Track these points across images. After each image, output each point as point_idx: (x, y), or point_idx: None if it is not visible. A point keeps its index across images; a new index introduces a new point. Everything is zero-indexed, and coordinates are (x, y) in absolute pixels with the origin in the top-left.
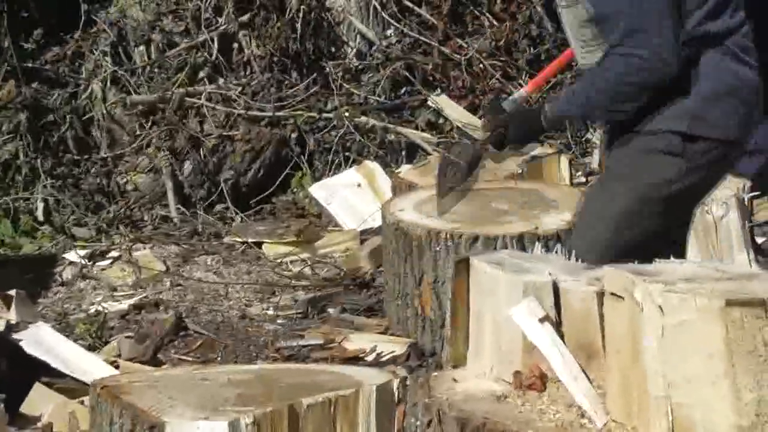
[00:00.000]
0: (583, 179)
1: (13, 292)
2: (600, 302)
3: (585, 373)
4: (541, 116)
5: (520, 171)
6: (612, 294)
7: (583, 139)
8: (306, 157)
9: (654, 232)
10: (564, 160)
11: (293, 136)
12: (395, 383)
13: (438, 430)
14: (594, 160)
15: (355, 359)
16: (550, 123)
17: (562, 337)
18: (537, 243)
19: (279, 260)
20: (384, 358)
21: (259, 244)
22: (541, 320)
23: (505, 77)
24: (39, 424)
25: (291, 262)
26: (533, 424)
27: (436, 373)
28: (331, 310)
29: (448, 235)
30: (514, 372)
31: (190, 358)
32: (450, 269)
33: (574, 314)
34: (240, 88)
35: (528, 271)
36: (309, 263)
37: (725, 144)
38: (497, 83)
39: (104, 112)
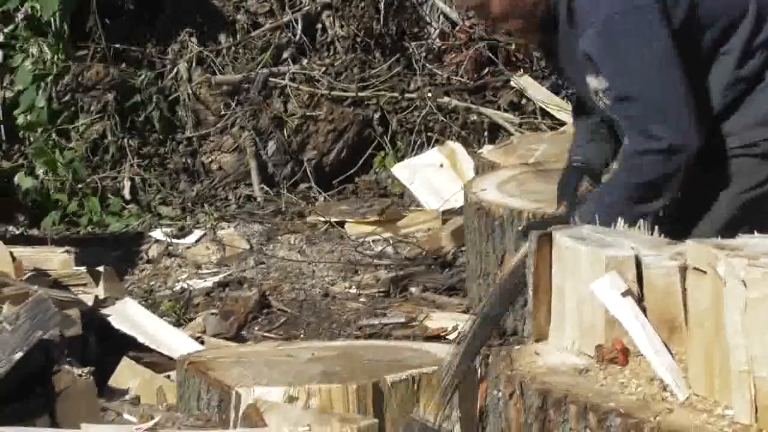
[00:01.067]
0: None
1: (101, 268)
2: (683, 277)
3: (667, 347)
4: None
5: None
6: (695, 268)
7: None
8: (389, 137)
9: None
10: None
11: (376, 116)
12: (478, 360)
13: (519, 402)
14: None
15: (437, 338)
16: None
17: (644, 311)
18: (619, 219)
19: (361, 239)
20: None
21: (341, 224)
22: (624, 294)
23: None
24: (126, 397)
25: (373, 241)
26: (614, 397)
27: (518, 347)
28: (412, 289)
29: (530, 215)
30: (595, 346)
31: (274, 335)
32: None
33: (657, 289)
34: (323, 69)
35: (610, 246)
36: (391, 242)
37: None
38: None
39: (189, 92)
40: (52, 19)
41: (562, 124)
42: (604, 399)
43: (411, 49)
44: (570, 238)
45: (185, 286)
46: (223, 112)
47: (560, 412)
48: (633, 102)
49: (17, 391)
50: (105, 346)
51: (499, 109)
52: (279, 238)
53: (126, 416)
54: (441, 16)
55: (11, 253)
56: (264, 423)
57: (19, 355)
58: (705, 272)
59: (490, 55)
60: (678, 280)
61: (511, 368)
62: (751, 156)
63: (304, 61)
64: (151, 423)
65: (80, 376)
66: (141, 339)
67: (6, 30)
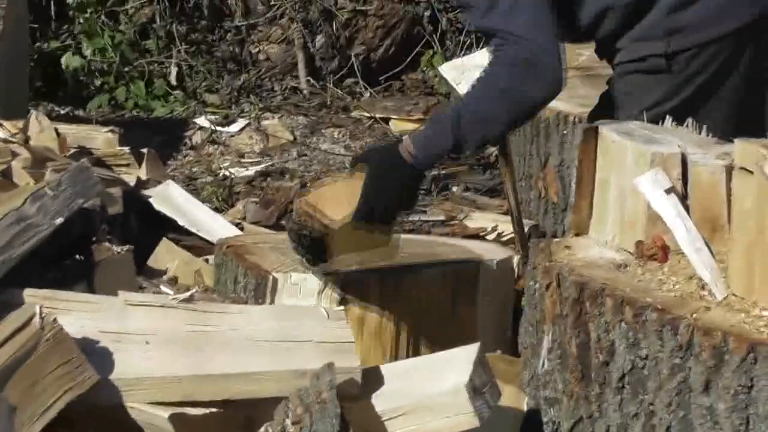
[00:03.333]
0: None
1: (144, 150)
2: (728, 176)
3: (708, 246)
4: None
5: None
6: (741, 168)
7: None
8: (438, 35)
9: None
10: None
11: (426, 14)
12: (516, 259)
13: (556, 293)
14: None
15: (476, 237)
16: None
17: (687, 209)
18: (667, 116)
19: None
20: (504, 238)
21: (386, 120)
22: (667, 191)
23: None
24: (164, 277)
25: None
26: (652, 293)
27: (557, 239)
28: (454, 189)
29: (576, 119)
30: (636, 242)
31: None
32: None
33: (701, 187)
34: None
35: (657, 142)
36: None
37: (730, 37)
38: None
39: None
40: None
41: None
42: (641, 294)
43: None
44: (616, 133)
45: (227, 173)
46: (273, 2)
47: (596, 305)
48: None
49: (56, 257)
50: (145, 227)
51: None
52: (323, 131)
53: (164, 289)
54: None
55: (56, 130)
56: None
57: (59, 220)
58: (751, 172)
59: None
60: (723, 179)
61: (549, 259)
62: (642, 72)
63: None
64: (187, 294)
65: (118, 252)
66: (181, 222)
67: None
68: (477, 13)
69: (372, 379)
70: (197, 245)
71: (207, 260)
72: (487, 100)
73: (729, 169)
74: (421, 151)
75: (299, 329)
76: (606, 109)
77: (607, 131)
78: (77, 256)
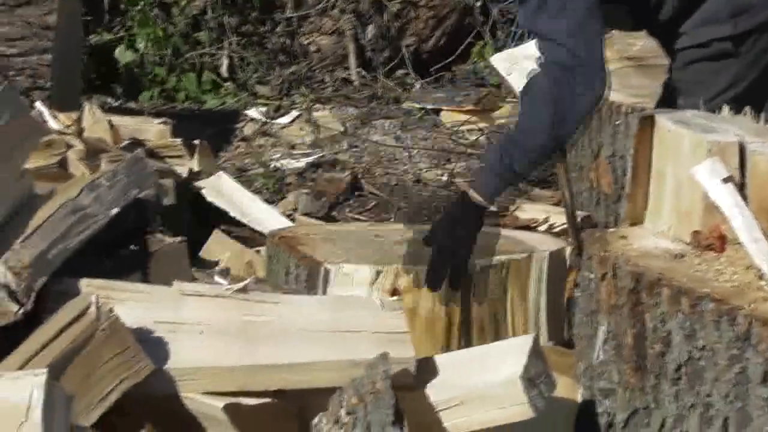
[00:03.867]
0: None
1: (196, 142)
2: None
3: (766, 236)
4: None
5: None
6: None
7: None
8: (489, 26)
9: None
10: None
11: (477, 4)
12: (568, 251)
13: (612, 283)
14: None
15: (528, 228)
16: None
17: (745, 199)
18: (725, 105)
19: (456, 128)
20: (556, 229)
21: (437, 111)
22: (725, 180)
23: None
24: (216, 269)
25: (468, 130)
26: (709, 284)
27: (613, 229)
28: None
29: (629, 109)
30: (692, 232)
31: (364, 218)
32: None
33: (760, 176)
34: None
35: (714, 131)
36: (486, 132)
37: None
38: None
39: None
40: None
41: None
42: (698, 284)
43: None
44: (673, 122)
45: (278, 165)
46: None
47: (653, 295)
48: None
49: (112, 247)
50: (197, 219)
51: None
52: (374, 122)
53: (217, 279)
54: None
55: (110, 122)
56: None
57: (115, 210)
58: None
59: None
60: None
61: (605, 249)
62: (707, 59)
63: None
64: (242, 284)
65: (172, 243)
66: (233, 213)
67: None
68: (527, 11)
69: (426, 369)
70: (249, 236)
71: (258, 251)
72: (528, 113)
73: None
74: (486, 189)
75: (353, 319)
76: (671, 99)
77: (664, 120)
78: (132, 247)
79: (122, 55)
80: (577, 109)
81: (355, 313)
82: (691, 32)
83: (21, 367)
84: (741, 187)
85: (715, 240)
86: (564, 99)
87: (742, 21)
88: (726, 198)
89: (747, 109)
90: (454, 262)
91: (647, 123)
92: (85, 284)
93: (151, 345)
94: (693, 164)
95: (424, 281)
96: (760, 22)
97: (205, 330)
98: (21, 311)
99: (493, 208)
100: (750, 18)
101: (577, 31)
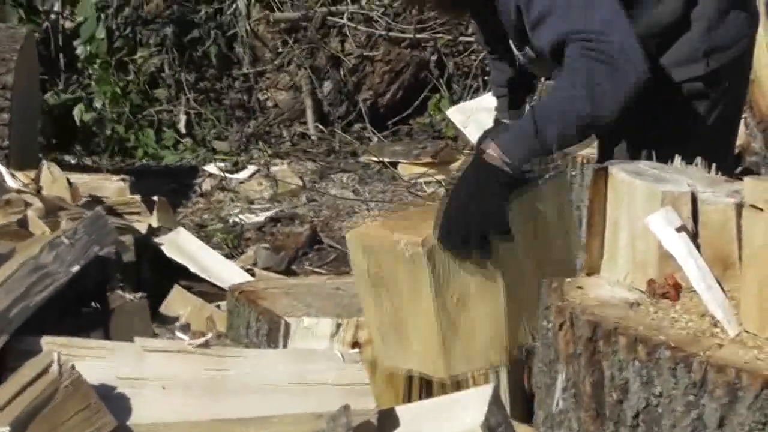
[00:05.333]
0: None
1: (155, 198)
2: (738, 214)
3: (719, 284)
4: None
5: None
6: (751, 205)
7: None
8: (445, 80)
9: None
10: None
11: (433, 58)
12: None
13: (569, 333)
14: None
15: None
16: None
17: (698, 247)
18: (677, 156)
19: (414, 181)
20: None
21: (394, 164)
22: (678, 230)
23: None
24: (177, 324)
25: (426, 183)
26: (665, 331)
27: (569, 279)
28: None
29: (584, 160)
30: (648, 280)
31: (324, 271)
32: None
33: (712, 225)
34: (382, 9)
35: (666, 181)
36: (444, 185)
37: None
38: None
39: (248, 28)
40: None
41: None
42: (654, 332)
43: None
44: (626, 172)
45: (237, 220)
46: (280, 50)
47: (610, 344)
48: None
49: (73, 305)
50: (157, 275)
51: None
52: (332, 176)
53: (179, 334)
54: None
55: (68, 179)
56: None
57: (76, 268)
58: (761, 209)
59: None
60: (734, 217)
61: (562, 299)
62: (678, 102)
63: (363, 1)
64: (203, 339)
65: (132, 300)
66: (192, 268)
67: None
68: (557, 18)
69: (388, 420)
70: (209, 291)
71: (219, 306)
72: (568, 97)
73: (739, 207)
74: (512, 153)
75: (315, 372)
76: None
77: (617, 171)
78: (93, 304)
79: (80, 113)
80: (618, 95)
81: (316, 366)
82: (662, 72)
83: None
84: (694, 236)
85: (670, 288)
86: (604, 89)
87: (714, 59)
88: (680, 247)
89: (699, 159)
90: (477, 228)
91: (601, 174)
92: (47, 342)
93: (114, 401)
94: (647, 214)
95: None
96: (729, 59)
97: (168, 385)
98: None
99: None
100: (721, 55)
101: (610, 21)
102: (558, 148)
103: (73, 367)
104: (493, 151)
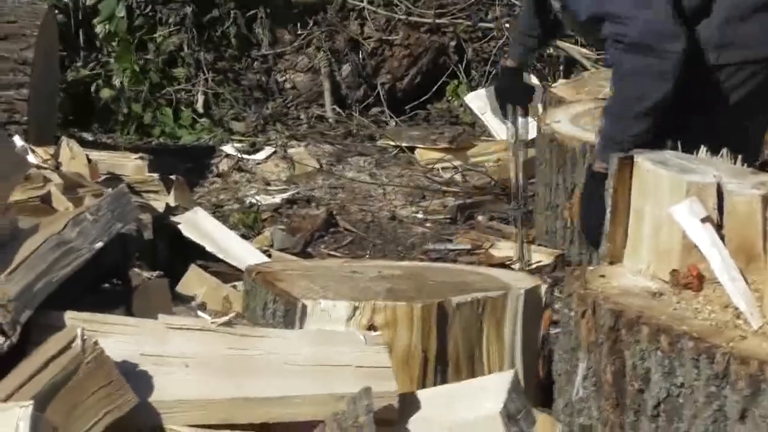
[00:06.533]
0: None
1: (172, 177)
2: (764, 206)
3: (743, 276)
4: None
5: None
6: None
7: None
8: (463, 65)
9: None
10: None
11: (452, 44)
12: (543, 288)
13: (591, 321)
14: None
15: (502, 266)
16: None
17: (722, 238)
18: (702, 146)
19: (430, 166)
20: (531, 267)
21: (411, 149)
22: (703, 220)
23: None
24: (193, 303)
25: (442, 168)
26: (687, 321)
27: (592, 267)
28: (479, 218)
29: None
30: (671, 270)
31: (339, 254)
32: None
33: (737, 217)
34: None
35: (693, 171)
36: (460, 170)
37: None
38: None
39: (267, 10)
40: None
41: None
42: (677, 322)
43: None
44: (651, 162)
45: (254, 201)
46: (299, 32)
47: (632, 333)
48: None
49: (95, 281)
50: (174, 254)
51: (576, 43)
52: (349, 159)
53: (200, 313)
54: None
55: (87, 156)
56: None
57: (99, 244)
58: None
59: None
60: (759, 208)
61: (585, 287)
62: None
63: None
64: (226, 318)
65: (149, 279)
66: (209, 248)
67: None
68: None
69: (408, 404)
70: (225, 271)
71: (235, 286)
72: (619, 99)
73: (765, 199)
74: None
75: (337, 354)
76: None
77: (642, 160)
78: (115, 281)
79: (99, 90)
80: (657, 77)
81: (338, 348)
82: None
83: (7, 399)
84: (718, 227)
85: (693, 279)
86: (650, 66)
87: (724, 54)
88: (704, 237)
89: (724, 150)
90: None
91: (627, 163)
92: (70, 317)
93: (136, 378)
94: (671, 204)
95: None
96: (741, 59)
97: (191, 363)
98: (6, 344)
99: None
100: (733, 52)
101: (639, 2)
102: (635, 143)
103: (96, 343)
104: (598, 166)
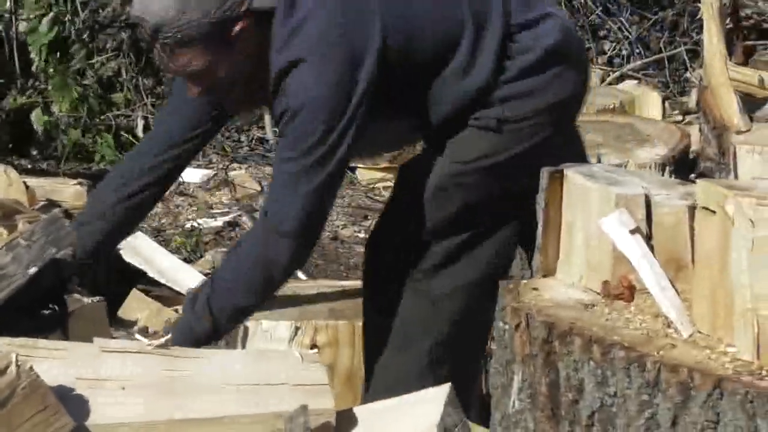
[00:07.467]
0: (680, 117)
1: None
2: (691, 216)
3: (673, 285)
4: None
5: (613, 105)
6: (704, 208)
7: (682, 78)
8: None
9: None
10: (656, 97)
11: None
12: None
13: (525, 334)
14: (691, 99)
15: None
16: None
17: (652, 249)
18: (629, 161)
19: (372, 185)
20: None
21: (352, 169)
22: (632, 232)
23: None
24: (135, 328)
25: (384, 187)
26: (619, 332)
27: (525, 281)
28: None
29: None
30: (602, 282)
31: None
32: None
33: (665, 228)
34: None
35: (621, 184)
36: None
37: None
38: None
39: None
40: None
41: None
42: (608, 333)
43: None
44: (581, 175)
45: (195, 224)
46: None
47: (565, 344)
48: None
49: (31, 307)
50: (114, 278)
51: None
52: None
53: (137, 336)
54: None
55: (25, 183)
56: None
57: (33, 269)
58: (714, 212)
59: None
60: (687, 219)
61: (518, 300)
62: (473, 128)
63: None
64: (162, 340)
65: (90, 303)
66: (150, 273)
67: None
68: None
69: (346, 421)
70: (167, 295)
71: (177, 310)
72: (237, 268)
73: (692, 210)
74: (180, 337)
75: (274, 372)
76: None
77: (572, 174)
78: (51, 306)
79: (38, 118)
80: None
81: (275, 367)
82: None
83: None
84: (648, 238)
85: (624, 289)
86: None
87: (508, 108)
88: (633, 248)
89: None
90: None
91: (557, 177)
92: (5, 343)
93: (72, 402)
94: (601, 216)
95: None
96: (529, 110)
97: (127, 386)
98: None
99: None
100: (520, 106)
101: (313, 210)
102: (228, 326)
103: (31, 368)
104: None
